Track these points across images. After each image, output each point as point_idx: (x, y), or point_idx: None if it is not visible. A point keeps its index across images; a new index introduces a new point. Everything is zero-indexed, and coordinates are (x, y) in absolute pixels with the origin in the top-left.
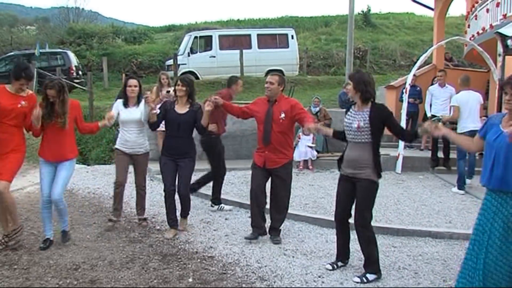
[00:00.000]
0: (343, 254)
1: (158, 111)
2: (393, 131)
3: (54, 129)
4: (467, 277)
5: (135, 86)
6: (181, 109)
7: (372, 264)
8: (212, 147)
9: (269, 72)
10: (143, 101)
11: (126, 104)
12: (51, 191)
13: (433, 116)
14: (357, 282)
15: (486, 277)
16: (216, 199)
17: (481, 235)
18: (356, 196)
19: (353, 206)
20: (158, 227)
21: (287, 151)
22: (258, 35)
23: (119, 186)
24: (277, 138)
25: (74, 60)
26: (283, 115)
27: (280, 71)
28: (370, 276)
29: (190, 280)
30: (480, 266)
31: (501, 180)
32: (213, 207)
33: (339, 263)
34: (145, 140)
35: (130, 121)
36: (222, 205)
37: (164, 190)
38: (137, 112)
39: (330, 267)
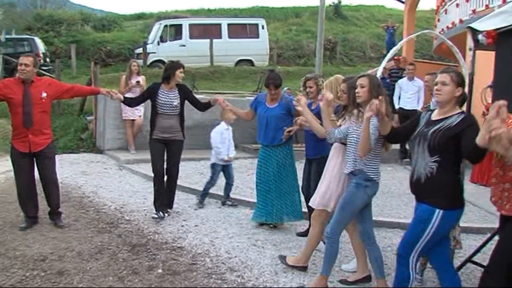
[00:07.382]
0: (166, 204)
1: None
2: (195, 106)
3: None
4: (259, 209)
5: None
6: None
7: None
8: None
9: (239, 62)
10: None
11: None
12: None
13: (401, 108)
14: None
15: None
16: None
17: (262, 176)
18: (169, 153)
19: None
20: (127, 217)
21: (49, 131)
22: (228, 24)
23: None
24: (39, 119)
25: (41, 46)
26: (44, 94)
27: (250, 61)
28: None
29: (160, 271)
30: (269, 199)
31: (271, 138)
32: None
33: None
34: None
35: None
36: None
37: None
38: None
39: (156, 216)
